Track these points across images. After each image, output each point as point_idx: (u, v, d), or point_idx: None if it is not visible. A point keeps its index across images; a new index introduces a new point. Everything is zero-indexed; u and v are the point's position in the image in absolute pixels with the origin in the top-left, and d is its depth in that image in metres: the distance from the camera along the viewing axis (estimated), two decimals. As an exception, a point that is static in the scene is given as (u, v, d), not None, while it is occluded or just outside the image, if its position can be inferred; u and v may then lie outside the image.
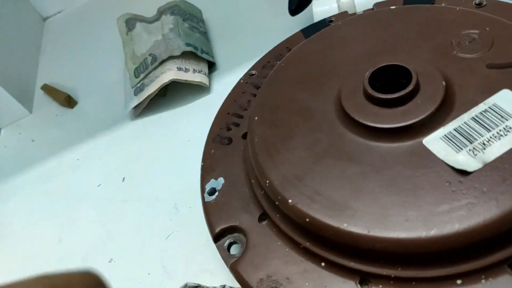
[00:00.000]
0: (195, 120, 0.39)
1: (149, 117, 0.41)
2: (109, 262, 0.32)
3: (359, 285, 0.21)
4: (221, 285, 0.26)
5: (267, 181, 0.23)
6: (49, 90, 0.49)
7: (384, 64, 0.23)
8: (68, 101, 0.47)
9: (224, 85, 0.41)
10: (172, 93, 0.42)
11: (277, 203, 0.22)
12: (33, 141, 0.46)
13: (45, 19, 0.62)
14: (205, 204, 0.27)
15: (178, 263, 0.30)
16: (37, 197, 0.40)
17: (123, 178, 0.38)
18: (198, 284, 0.26)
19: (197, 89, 0.41)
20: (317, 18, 0.36)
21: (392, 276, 0.20)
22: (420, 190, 0.20)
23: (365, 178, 0.21)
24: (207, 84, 0.40)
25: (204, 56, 0.41)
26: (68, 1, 0.61)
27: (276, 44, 0.35)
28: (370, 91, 0.22)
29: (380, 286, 0.20)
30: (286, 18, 0.42)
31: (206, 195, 0.27)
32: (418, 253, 0.19)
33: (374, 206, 0.20)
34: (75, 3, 0.61)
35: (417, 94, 0.22)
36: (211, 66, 0.42)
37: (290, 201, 0.22)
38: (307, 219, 0.21)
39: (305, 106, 0.25)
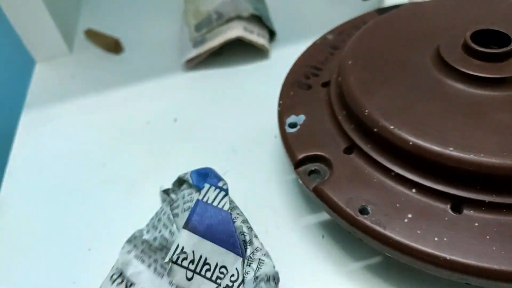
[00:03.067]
0: (251, 80, 0.40)
1: (202, 71, 0.42)
2: (161, 189, 0.32)
3: (450, 210, 0.22)
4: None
5: (366, 111, 0.25)
6: (94, 34, 0.49)
7: (484, 28, 0.26)
8: (116, 47, 0.47)
9: (282, 54, 0.42)
10: (229, 54, 0.43)
11: (375, 130, 0.24)
12: (73, 77, 0.45)
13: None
14: (286, 135, 0.28)
15: (236, 198, 0.30)
16: (79, 126, 0.39)
17: (175, 119, 0.38)
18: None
19: (255, 53, 0.42)
20: (387, 5, 0.38)
21: (487, 201, 0.21)
22: (516, 133, 0.22)
23: (466, 116, 0.23)
24: (269, 48, 0.42)
25: (268, 23, 0.42)
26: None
27: (329, 26, 0.37)
28: (473, 45, 0.25)
29: (472, 211, 0.22)
30: (341, 6, 0.46)
31: (287, 127, 0.28)
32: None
33: (475, 136, 0.22)
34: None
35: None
36: (271, 36, 0.44)
37: (392, 127, 0.23)
38: (410, 143, 0.22)
39: (400, 57, 0.27)
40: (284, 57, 0.41)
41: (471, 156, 0.21)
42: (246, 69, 0.41)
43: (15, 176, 0.36)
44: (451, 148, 0.22)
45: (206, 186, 0.26)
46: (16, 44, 0.48)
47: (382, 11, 0.36)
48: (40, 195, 0.34)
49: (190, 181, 0.27)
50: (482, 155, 0.21)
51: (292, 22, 0.46)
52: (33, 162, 0.37)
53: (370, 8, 0.44)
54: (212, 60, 0.42)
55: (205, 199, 0.25)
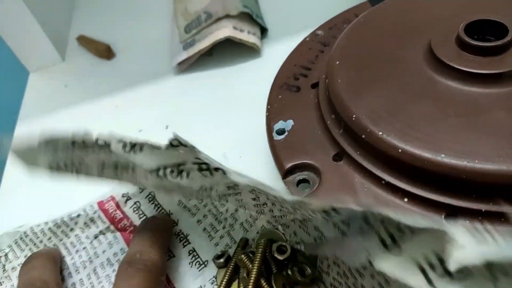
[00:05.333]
0: (244, 80, 0.39)
1: (194, 73, 0.41)
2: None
3: (445, 220, 0.21)
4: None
5: (354, 116, 0.23)
6: (86, 41, 0.49)
7: (479, 18, 0.24)
8: (108, 53, 0.46)
9: (274, 51, 0.41)
10: (219, 54, 0.42)
11: (363, 136, 0.22)
12: (66, 86, 0.45)
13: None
14: (274, 142, 0.27)
15: (227, 207, 0.30)
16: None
17: (167, 126, 0.37)
18: None
19: (246, 52, 0.41)
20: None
21: (483, 210, 0.20)
22: (514, 133, 0.20)
23: (460, 117, 0.21)
24: (260, 47, 0.40)
25: (259, 20, 0.41)
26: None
27: (325, 19, 0.35)
28: (467, 38, 0.23)
29: (468, 221, 0.20)
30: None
31: (274, 134, 0.27)
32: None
33: (469, 140, 0.20)
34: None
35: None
36: (262, 32, 0.42)
37: (380, 133, 0.22)
38: (400, 150, 0.21)
39: (391, 53, 0.26)
40: (276, 54, 0.40)
41: (464, 163, 0.20)
42: (237, 69, 0.40)
43: (11, 188, 0.36)
44: (442, 155, 0.20)
45: None
46: (10, 55, 0.48)
47: (375, 1, 0.34)
48: (34, 208, 0.34)
49: None
50: (476, 161, 0.19)
51: (285, 16, 0.44)
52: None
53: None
54: (203, 61, 0.41)
55: None
